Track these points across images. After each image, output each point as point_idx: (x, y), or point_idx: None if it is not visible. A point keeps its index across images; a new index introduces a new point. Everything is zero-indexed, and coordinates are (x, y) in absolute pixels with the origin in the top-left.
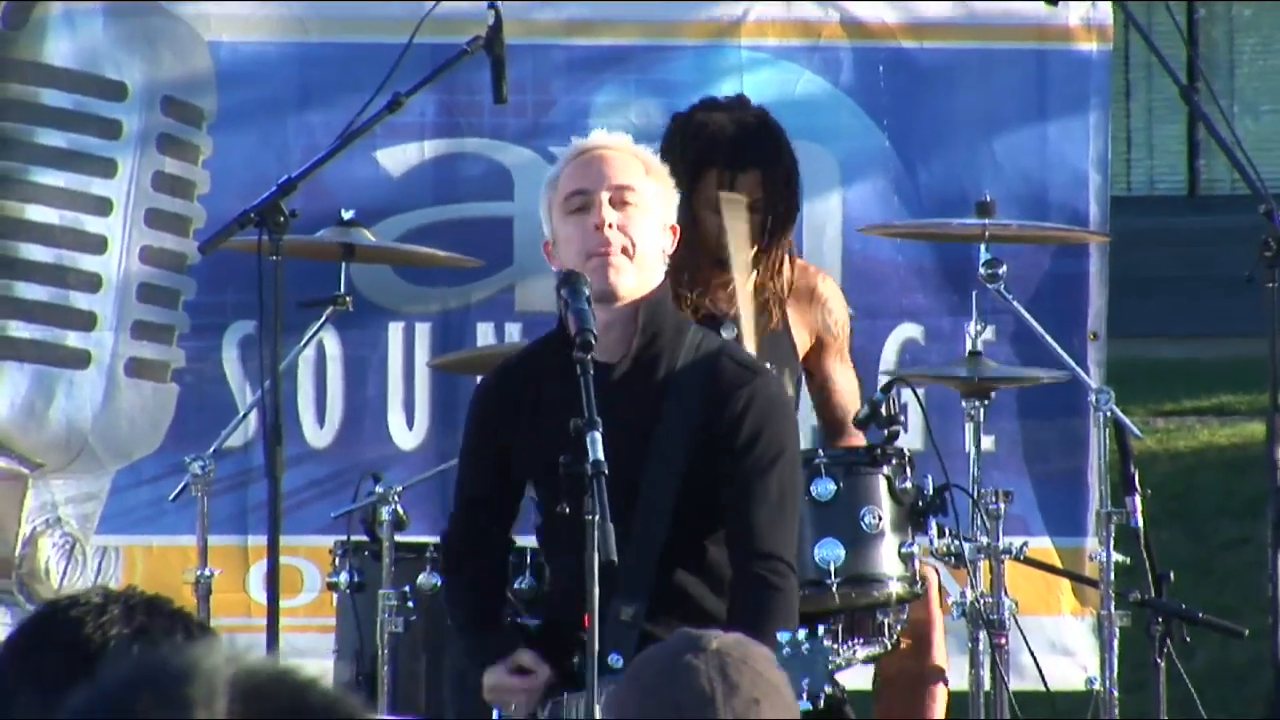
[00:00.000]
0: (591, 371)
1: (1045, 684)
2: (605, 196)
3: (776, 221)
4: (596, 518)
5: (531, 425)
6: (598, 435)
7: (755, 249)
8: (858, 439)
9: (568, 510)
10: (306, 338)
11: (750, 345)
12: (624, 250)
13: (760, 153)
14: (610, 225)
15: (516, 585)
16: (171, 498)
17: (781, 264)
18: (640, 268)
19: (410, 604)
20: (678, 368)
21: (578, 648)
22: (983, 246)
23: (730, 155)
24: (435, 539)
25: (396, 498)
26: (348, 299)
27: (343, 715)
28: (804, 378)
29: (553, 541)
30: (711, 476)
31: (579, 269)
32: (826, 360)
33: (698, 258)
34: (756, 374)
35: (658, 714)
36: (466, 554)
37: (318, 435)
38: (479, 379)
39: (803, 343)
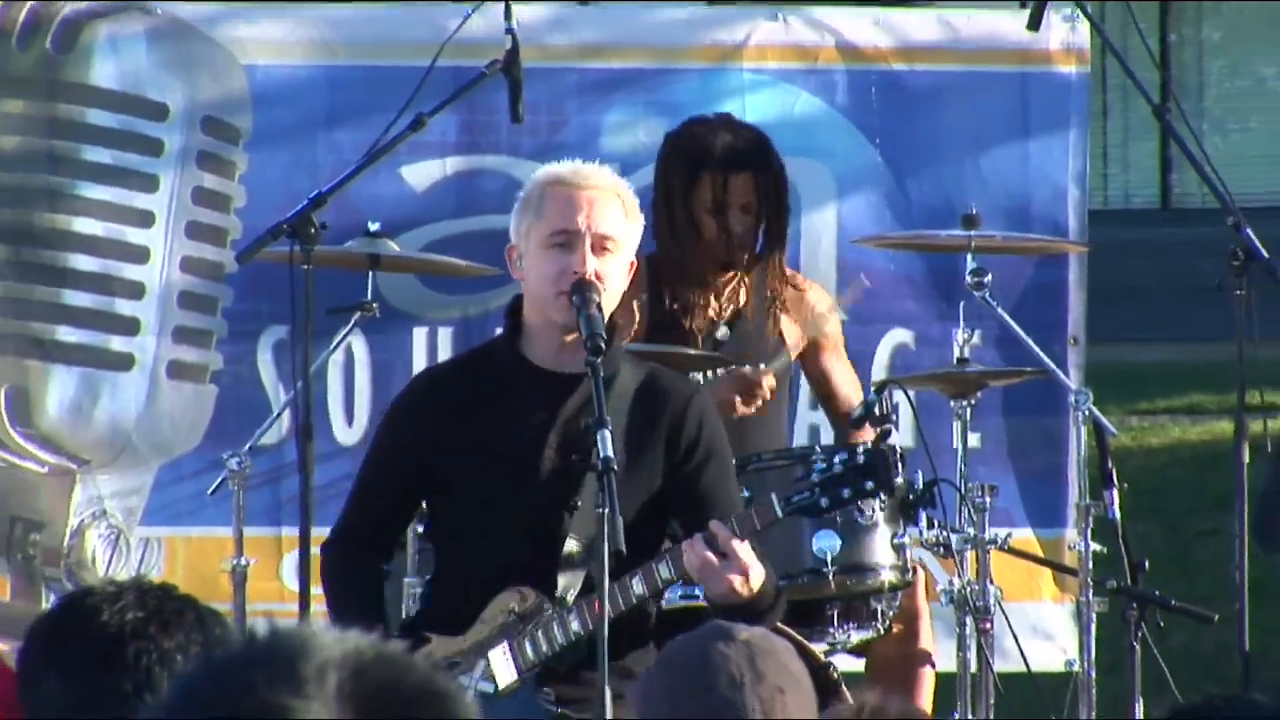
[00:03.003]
0: (601, 374)
1: (1027, 666)
2: (589, 244)
3: (771, 225)
4: (607, 510)
5: (466, 430)
6: (608, 434)
7: (752, 253)
8: (865, 431)
9: (576, 503)
10: (336, 342)
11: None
12: (599, 295)
13: (750, 156)
14: (591, 273)
15: None
16: (210, 492)
17: (779, 268)
18: (606, 307)
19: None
20: (628, 388)
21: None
22: (969, 256)
23: (722, 160)
24: None
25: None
26: (374, 306)
27: (437, 689)
28: (805, 379)
29: (464, 539)
30: (654, 475)
31: (550, 299)
32: (823, 360)
33: (699, 260)
34: (695, 387)
35: (689, 698)
36: (355, 569)
37: (346, 433)
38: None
39: (794, 348)
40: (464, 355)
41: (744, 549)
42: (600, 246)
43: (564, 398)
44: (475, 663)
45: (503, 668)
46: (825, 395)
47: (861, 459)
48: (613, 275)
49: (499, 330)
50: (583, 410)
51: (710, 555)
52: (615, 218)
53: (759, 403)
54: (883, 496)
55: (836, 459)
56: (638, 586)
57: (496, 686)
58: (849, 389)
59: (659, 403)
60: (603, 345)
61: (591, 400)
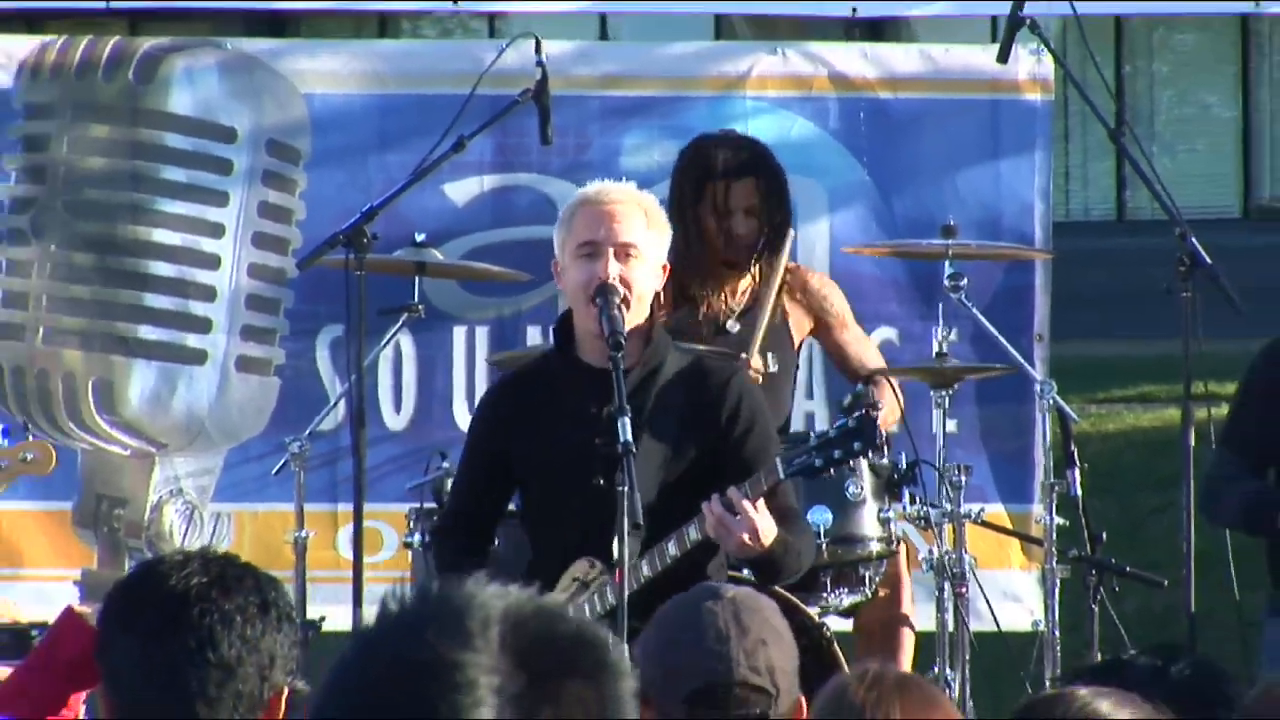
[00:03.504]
0: (621, 367)
1: (998, 626)
2: (611, 251)
3: (773, 229)
4: (626, 489)
5: (534, 426)
6: (627, 421)
7: (757, 253)
8: (883, 387)
9: (601, 482)
10: (385, 340)
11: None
12: (623, 299)
13: (751, 163)
14: (615, 278)
15: None
16: (274, 472)
17: (779, 268)
18: (635, 308)
19: None
20: (671, 373)
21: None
22: (946, 263)
23: (726, 167)
24: None
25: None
26: (420, 307)
27: (589, 638)
28: (823, 353)
29: (545, 522)
30: (698, 450)
31: (583, 304)
32: (835, 334)
33: (706, 260)
34: (736, 367)
35: (682, 651)
36: (460, 551)
37: (395, 420)
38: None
39: (800, 331)
40: (531, 363)
41: (752, 508)
42: (624, 254)
43: (611, 390)
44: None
45: None
46: (841, 364)
47: (851, 424)
48: (639, 278)
49: (529, 329)
50: (630, 397)
51: (725, 514)
52: (637, 227)
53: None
54: (870, 454)
55: (830, 429)
56: (671, 548)
57: None
58: (862, 354)
59: (703, 383)
60: (622, 341)
61: (637, 389)
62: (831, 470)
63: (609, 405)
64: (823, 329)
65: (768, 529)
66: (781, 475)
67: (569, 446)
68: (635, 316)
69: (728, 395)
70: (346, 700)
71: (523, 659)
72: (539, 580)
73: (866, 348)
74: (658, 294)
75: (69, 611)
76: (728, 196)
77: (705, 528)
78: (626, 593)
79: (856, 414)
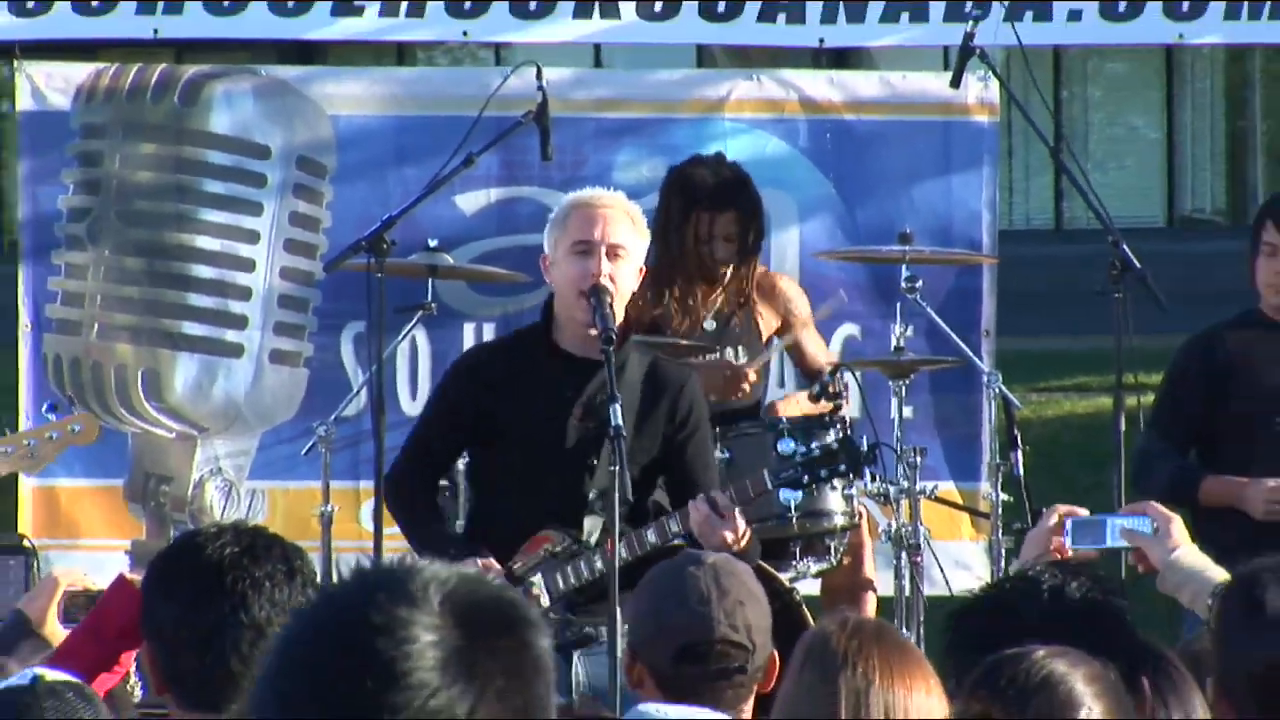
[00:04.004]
0: (614, 360)
1: (950, 590)
2: (603, 250)
3: (747, 247)
4: (617, 469)
5: (514, 399)
6: (618, 407)
7: (734, 266)
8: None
9: (595, 461)
10: (402, 334)
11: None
12: (613, 299)
13: (735, 197)
14: (605, 275)
15: None
16: (303, 453)
17: (752, 276)
18: (619, 304)
19: None
20: (633, 371)
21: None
22: (903, 267)
23: (712, 200)
24: None
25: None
26: (433, 306)
27: (509, 598)
28: (782, 350)
29: (511, 491)
30: (650, 443)
31: (573, 298)
32: (796, 333)
33: (686, 273)
34: (689, 375)
35: (668, 611)
36: (419, 491)
37: (411, 406)
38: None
39: (768, 327)
40: (508, 336)
41: (738, 514)
42: (613, 254)
43: (587, 378)
44: (517, 588)
45: (539, 594)
46: (798, 360)
47: (836, 447)
48: (624, 277)
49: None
50: (601, 389)
51: (711, 515)
52: (625, 231)
53: (746, 388)
54: (853, 476)
55: (815, 445)
56: (651, 536)
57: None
58: (817, 353)
59: (661, 385)
60: (614, 337)
61: (598, 386)
62: (815, 486)
63: (587, 390)
64: (786, 328)
65: (747, 535)
66: (768, 486)
67: (545, 421)
68: (618, 311)
69: (680, 401)
70: (307, 656)
71: (457, 618)
72: (485, 536)
73: (821, 347)
74: (634, 294)
75: (120, 579)
76: (711, 225)
77: (688, 524)
78: (617, 565)
79: (838, 439)
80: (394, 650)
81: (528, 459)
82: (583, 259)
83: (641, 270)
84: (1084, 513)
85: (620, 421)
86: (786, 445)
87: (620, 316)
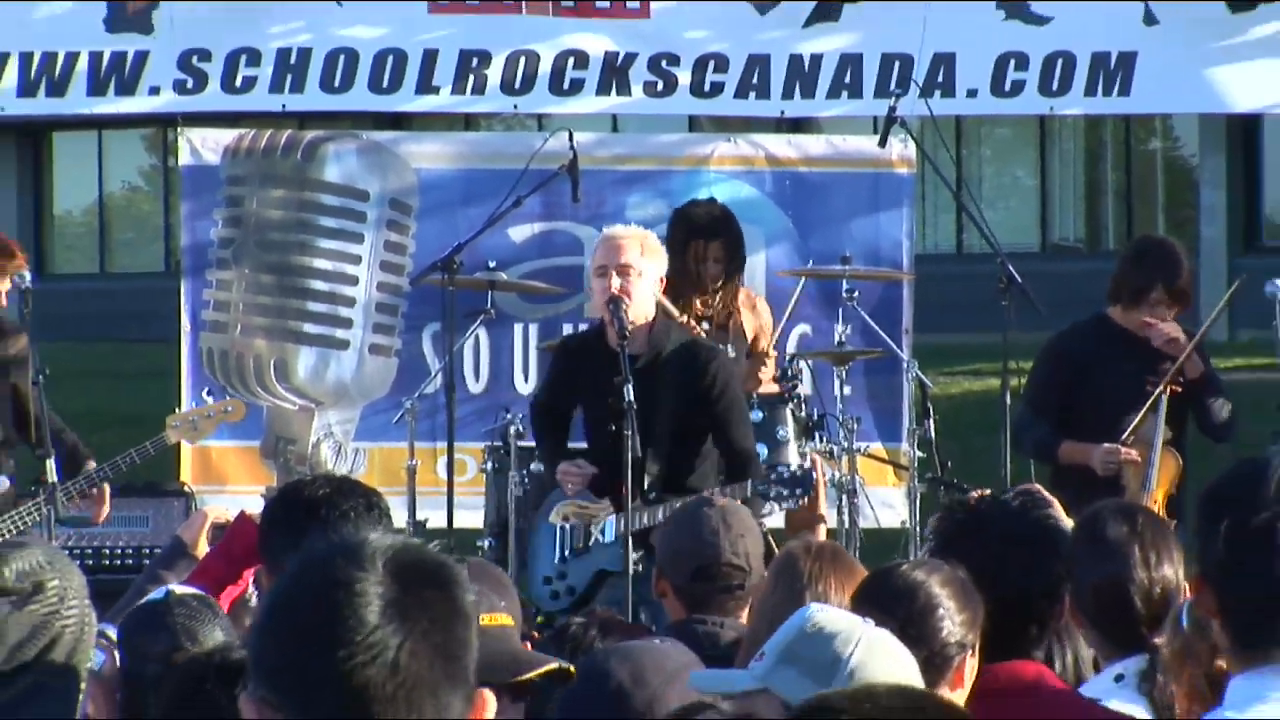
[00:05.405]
0: (628, 352)
1: (879, 524)
2: (614, 270)
3: (731, 269)
4: (629, 433)
5: (582, 379)
6: (630, 387)
7: (720, 284)
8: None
9: (614, 429)
10: (469, 332)
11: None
12: (626, 306)
13: (722, 229)
14: (618, 289)
15: None
16: (394, 421)
17: (736, 294)
18: (635, 309)
19: (526, 482)
20: (671, 352)
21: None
22: (844, 281)
23: (705, 231)
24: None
25: (518, 421)
26: (492, 311)
27: (443, 562)
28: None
29: (597, 441)
30: (690, 410)
31: (600, 308)
32: (759, 343)
33: (686, 288)
34: (716, 352)
35: (686, 542)
36: (546, 419)
37: (475, 386)
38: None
39: (750, 332)
40: (580, 335)
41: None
42: (624, 272)
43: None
44: (599, 523)
45: (611, 531)
46: (750, 345)
47: (798, 475)
48: (637, 289)
49: (565, 326)
50: (635, 375)
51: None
52: (634, 254)
53: (761, 378)
54: (800, 495)
55: (785, 470)
56: (664, 513)
57: (605, 539)
58: (764, 342)
59: (694, 361)
60: (627, 333)
61: (648, 367)
62: (780, 504)
63: (617, 375)
64: (757, 340)
65: None
66: (748, 494)
67: (596, 398)
68: (639, 315)
69: (710, 370)
70: (288, 602)
71: (395, 576)
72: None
73: (772, 354)
74: (662, 300)
75: (241, 514)
76: (705, 251)
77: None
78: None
79: (799, 470)
80: (347, 600)
81: (595, 427)
82: (602, 279)
83: (662, 280)
84: None
85: (632, 398)
86: (754, 415)
87: (644, 316)
